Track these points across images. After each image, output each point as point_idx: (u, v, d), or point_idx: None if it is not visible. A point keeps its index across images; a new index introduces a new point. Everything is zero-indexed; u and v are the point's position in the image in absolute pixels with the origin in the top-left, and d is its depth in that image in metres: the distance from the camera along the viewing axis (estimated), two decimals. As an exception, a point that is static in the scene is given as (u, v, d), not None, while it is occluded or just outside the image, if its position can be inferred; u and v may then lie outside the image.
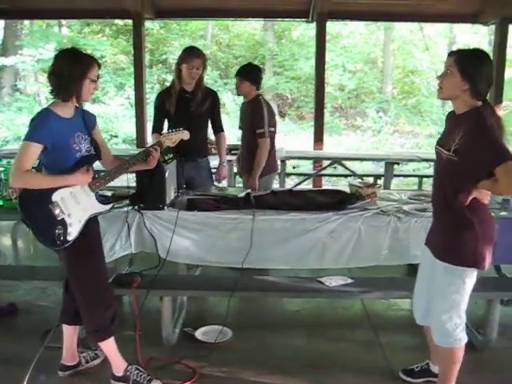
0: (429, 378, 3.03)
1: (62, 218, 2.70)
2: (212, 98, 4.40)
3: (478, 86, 2.43)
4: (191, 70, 4.18)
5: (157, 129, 4.38)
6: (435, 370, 2.99)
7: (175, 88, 4.28)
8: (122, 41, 17.58)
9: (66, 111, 2.72)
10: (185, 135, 3.12)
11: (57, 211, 2.68)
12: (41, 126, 2.62)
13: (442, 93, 2.54)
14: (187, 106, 4.27)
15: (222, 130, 4.56)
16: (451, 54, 2.51)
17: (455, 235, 2.55)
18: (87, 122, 2.86)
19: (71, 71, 2.63)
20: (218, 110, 4.50)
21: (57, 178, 2.68)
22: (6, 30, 16.44)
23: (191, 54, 4.22)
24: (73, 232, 2.73)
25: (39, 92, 15.54)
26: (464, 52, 2.51)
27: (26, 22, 16.37)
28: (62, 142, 2.66)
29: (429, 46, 17.53)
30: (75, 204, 2.74)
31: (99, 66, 2.76)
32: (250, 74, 4.57)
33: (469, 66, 2.42)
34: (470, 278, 2.58)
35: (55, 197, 2.68)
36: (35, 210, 2.68)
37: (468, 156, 2.40)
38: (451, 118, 2.63)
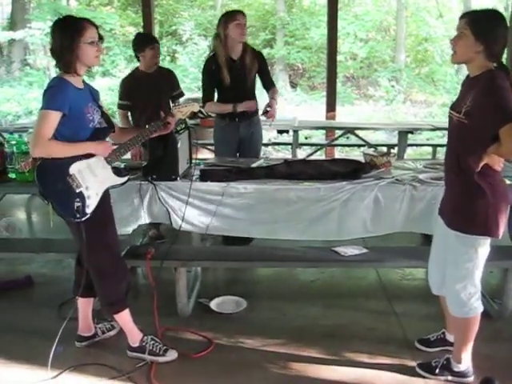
0: (445, 347, 3.02)
1: (80, 191, 2.68)
2: (258, 60, 4.45)
3: (492, 47, 2.36)
4: (242, 27, 4.20)
5: (209, 97, 4.43)
6: (451, 339, 2.97)
7: (221, 57, 4.28)
8: (130, 13, 17.43)
9: (76, 81, 2.67)
10: (195, 107, 3.14)
11: (75, 184, 2.66)
12: (58, 93, 2.57)
13: (456, 56, 2.48)
14: (237, 74, 4.32)
15: (274, 86, 4.58)
16: (463, 16, 2.43)
17: (466, 203, 2.51)
18: (94, 95, 2.82)
19: (62, 40, 2.56)
20: (265, 69, 4.56)
21: (78, 145, 2.66)
22: (13, 4, 16.36)
23: (234, 11, 4.33)
24: (91, 204, 2.72)
25: (49, 66, 15.48)
26: (476, 13, 2.45)
27: (34, -5, 16.27)
28: (78, 110, 2.62)
29: (443, 12, 17.26)
30: (92, 176, 2.73)
31: (95, 26, 2.64)
32: None
33: (482, 26, 2.36)
34: (483, 246, 2.54)
35: (72, 169, 2.66)
36: (53, 183, 2.66)
37: (476, 118, 2.36)
38: (466, 82, 2.58)
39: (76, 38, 2.57)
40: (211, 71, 4.33)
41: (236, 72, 4.30)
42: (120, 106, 4.77)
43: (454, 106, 2.54)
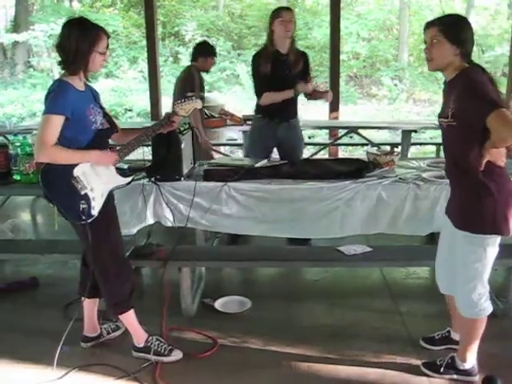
0: (449, 345, 3.01)
1: (85, 193, 2.68)
2: (304, 59, 4.47)
3: (466, 48, 2.45)
4: (285, 24, 4.25)
5: (264, 89, 4.37)
6: (456, 338, 2.97)
7: (268, 51, 4.34)
8: (133, 14, 17.46)
9: (78, 83, 2.67)
10: (198, 104, 3.11)
11: (79, 186, 2.66)
12: (60, 97, 2.57)
13: (433, 64, 2.52)
14: (282, 68, 4.33)
15: None
16: (431, 24, 2.50)
17: (472, 202, 2.51)
18: (95, 96, 2.82)
19: (77, 46, 2.55)
20: (307, 70, 4.54)
21: (82, 153, 2.66)
22: (17, 6, 16.41)
23: (280, 8, 4.43)
24: (96, 206, 2.72)
25: (52, 68, 15.53)
26: (445, 19, 2.52)
27: (37, -3, 16.32)
28: (80, 113, 2.62)
29: (446, 11, 17.18)
30: (96, 178, 2.73)
31: (108, 36, 2.67)
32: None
33: (455, 30, 2.44)
34: (492, 245, 2.53)
35: (77, 171, 2.66)
36: (58, 186, 2.66)
37: (463, 116, 2.38)
38: (445, 87, 2.61)
39: (92, 47, 2.58)
40: (258, 64, 4.35)
41: (280, 65, 4.31)
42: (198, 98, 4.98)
43: (441, 113, 2.56)
